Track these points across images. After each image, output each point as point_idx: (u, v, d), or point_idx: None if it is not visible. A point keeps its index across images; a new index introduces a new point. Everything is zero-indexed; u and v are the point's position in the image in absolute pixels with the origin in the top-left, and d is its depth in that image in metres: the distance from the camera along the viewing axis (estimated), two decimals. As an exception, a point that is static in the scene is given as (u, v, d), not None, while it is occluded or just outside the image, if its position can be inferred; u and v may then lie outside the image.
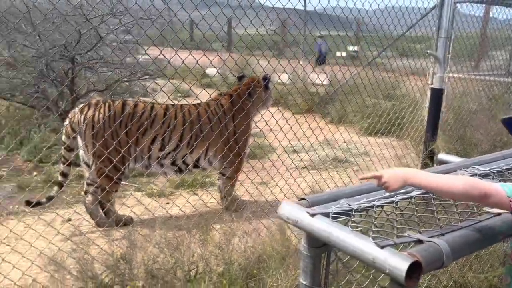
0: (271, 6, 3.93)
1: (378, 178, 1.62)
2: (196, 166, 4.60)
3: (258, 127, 4.15)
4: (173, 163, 4.48)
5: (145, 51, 3.05)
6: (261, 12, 3.93)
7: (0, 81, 6.08)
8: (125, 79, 6.02)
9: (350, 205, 1.89)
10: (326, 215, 1.79)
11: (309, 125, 4.12)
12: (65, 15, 4.46)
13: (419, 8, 5.51)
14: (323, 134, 4.44)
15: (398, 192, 1.96)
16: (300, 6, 4.50)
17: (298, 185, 4.15)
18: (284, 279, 2.39)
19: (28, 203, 3.95)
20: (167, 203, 4.75)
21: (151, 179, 5.21)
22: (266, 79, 4.77)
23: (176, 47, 3.22)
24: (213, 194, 5.01)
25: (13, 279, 2.84)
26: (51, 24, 5.30)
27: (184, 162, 4.50)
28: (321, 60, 16.65)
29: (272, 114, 3.85)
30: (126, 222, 4.19)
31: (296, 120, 3.99)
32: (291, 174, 4.16)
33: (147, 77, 6.12)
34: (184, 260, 2.58)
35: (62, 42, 5.25)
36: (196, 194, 4.07)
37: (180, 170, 4.57)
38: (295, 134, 4.09)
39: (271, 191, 4.07)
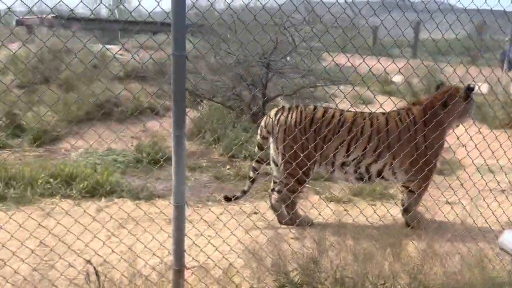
0: (463, 7, 3.52)
1: None
2: (379, 176, 4.48)
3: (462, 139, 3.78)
4: (356, 171, 4.46)
5: (333, 58, 3.09)
6: (451, 15, 3.57)
7: (206, 84, 6.98)
8: (311, 85, 6.24)
9: None
10: None
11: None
12: (279, 26, 4.82)
13: None
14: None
15: None
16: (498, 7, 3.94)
17: (503, 211, 3.65)
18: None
19: (226, 198, 4.43)
20: (346, 210, 4.75)
21: (331, 184, 5.26)
22: (470, 89, 4.32)
23: (359, 54, 3.18)
24: (393, 207, 4.79)
25: (214, 260, 3.21)
26: (252, 33, 5.82)
27: (367, 170, 4.43)
28: (509, 66, 14.58)
29: (466, 129, 3.48)
30: (307, 222, 4.33)
31: (496, 136, 3.52)
32: (495, 197, 3.69)
33: (330, 83, 6.23)
34: (374, 273, 2.53)
35: (260, 49, 5.72)
36: (384, 206, 3.93)
37: (362, 178, 4.52)
38: (493, 152, 3.60)
39: (469, 214, 3.67)
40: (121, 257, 3.06)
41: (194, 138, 6.78)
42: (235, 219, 3.40)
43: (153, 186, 5.10)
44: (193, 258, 3.13)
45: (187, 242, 2.80)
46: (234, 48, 6.31)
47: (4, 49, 4.32)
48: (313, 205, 3.92)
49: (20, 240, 2.80)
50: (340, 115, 4.38)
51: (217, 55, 6.71)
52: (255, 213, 4.59)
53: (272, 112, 4.54)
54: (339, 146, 4.35)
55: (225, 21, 2.89)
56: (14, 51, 2.71)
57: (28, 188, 4.80)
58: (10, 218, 2.94)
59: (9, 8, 2.51)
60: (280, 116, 4.41)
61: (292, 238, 3.66)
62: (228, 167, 6.21)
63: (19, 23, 11.67)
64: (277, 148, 4.42)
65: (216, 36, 6.06)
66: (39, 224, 2.82)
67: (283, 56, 6.08)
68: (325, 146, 4.11)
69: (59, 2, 2.45)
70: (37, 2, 2.42)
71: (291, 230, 3.79)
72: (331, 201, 5.02)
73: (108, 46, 6.82)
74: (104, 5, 2.37)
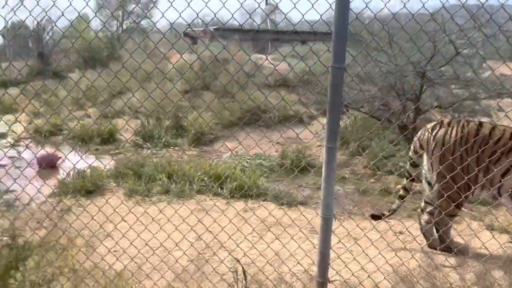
0: None
1: None
2: (559, 207, 3.80)
3: None
4: (529, 199, 3.84)
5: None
6: None
7: (353, 93, 6.84)
8: (476, 98, 5.61)
9: None
10: None
11: None
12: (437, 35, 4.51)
13: None
14: None
15: None
16: None
17: None
18: None
19: (374, 217, 4.26)
20: (511, 242, 4.15)
21: (492, 210, 4.65)
22: None
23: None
24: None
25: (358, 278, 3.09)
26: (407, 41, 5.50)
27: (544, 199, 3.79)
28: None
29: None
30: (462, 251, 3.88)
31: None
32: None
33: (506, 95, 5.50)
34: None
35: (416, 58, 5.37)
36: None
37: (536, 208, 3.88)
38: None
39: None
40: (267, 261, 3.16)
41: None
42: (384, 239, 3.23)
43: (297, 193, 5.19)
44: (337, 273, 3.06)
45: (331, 255, 2.75)
46: (388, 57, 6.05)
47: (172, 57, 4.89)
48: (475, 233, 3.50)
49: (182, 233, 3.10)
50: (510, 135, 3.83)
51: (368, 64, 6.51)
52: (401, 232, 4.32)
53: (429, 126, 4.20)
54: (508, 169, 3.80)
55: (387, 31, 2.75)
56: (189, 62, 3.01)
57: (187, 184, 5.32)
58: (176, 212, 3.28)
59: (189, 24, 2.81)
60: (438, 131, 4.05)
61: (447, 267, 3.32)
62: (372, 180, 5.99)
63: (186, 35, 13.09)
64: (432, 167, 4.07)
65: (369, 46, 5.89)
66: (198, 220, 3.09)
67: (442, 65, 5.57)
68: (494, 169, 3.62)
69: (230, 18, 2.64)
70: (212, 19, 2.65)
71: (447, 258, 3.45)
72: (492, 229, 4.44)
73: (259, 56, 7.20)
74: (270, 19, 2.48)
